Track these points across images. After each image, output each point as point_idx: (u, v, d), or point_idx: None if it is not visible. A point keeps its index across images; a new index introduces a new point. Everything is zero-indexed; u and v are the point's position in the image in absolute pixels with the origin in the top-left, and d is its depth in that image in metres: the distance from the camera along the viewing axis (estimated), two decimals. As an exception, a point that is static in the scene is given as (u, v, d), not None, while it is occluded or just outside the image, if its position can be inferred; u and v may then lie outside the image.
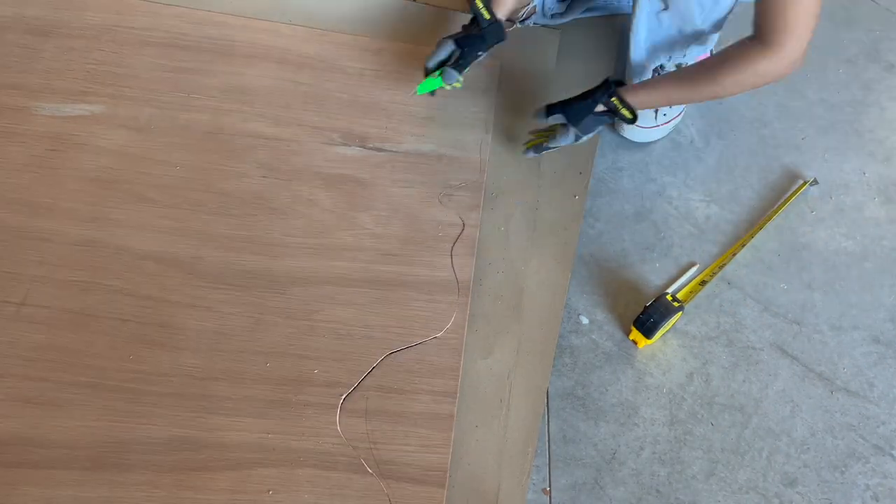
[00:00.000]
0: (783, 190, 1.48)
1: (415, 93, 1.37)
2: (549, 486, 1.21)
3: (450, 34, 1.34)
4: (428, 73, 1.34)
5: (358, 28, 1.53)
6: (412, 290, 1.27)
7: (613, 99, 1.27)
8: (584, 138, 1.33)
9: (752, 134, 1.54)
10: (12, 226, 1.28)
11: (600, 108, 1.29)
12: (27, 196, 1.31)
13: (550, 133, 1.37)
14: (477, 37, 1.32)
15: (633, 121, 1.28)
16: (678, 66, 1.39)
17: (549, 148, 1.36)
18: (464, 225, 1.33)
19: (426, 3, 1.58)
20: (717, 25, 1.33)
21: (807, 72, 1.61)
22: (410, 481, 1.14)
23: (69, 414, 1.16)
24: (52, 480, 1.12)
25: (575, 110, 1.30)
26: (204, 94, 1.42)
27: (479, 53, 1.33)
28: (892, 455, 1.26)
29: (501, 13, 1.32)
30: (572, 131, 1.31)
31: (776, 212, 1.44)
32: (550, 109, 1.32)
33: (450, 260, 1.30)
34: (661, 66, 1.40)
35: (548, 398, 1.27)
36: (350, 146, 1.40)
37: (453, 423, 1.18)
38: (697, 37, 1.33)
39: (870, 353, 1.34)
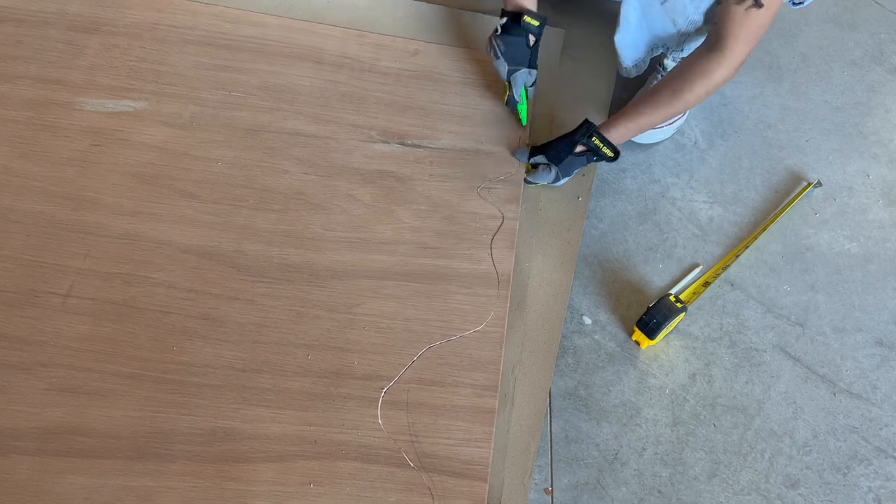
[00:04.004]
0: (787, 192, 1.48)
1: (524, 125, 1.44)
2: (552, 486, 1.21)
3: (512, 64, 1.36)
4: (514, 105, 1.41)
5: (393, 30, 1.55)
6: (452, 284, 1.28)
7: (594, 139, 1.31)
8: (563, 180, 1.37)
9: (755, 136, 1.54)
10: (57, 219, 1.30)
11: (581, 148, 1.33)
12: (71, 190, 1.33)
13: (533, 169, 1.40)
14: (535, 50, 1.37)
15: (614, 159, 1.33)
16: (679, 60, 1.44)
17: (529, 182, 1.39)
18: (503, 217, 1.34)
19: (460, 8, 1.59)
20: (710, 17, 1.36)
21: (811, 74, 1.62)
22: (452, 475, 1.14)
23: (113, 404, 1.17)
24: (96, 469, 1.13)
25: (556, 151, 1.34)
26: (244, 92, 1.44)
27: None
28: (894, 457, 1.26)
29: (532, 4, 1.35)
30: (553, 170, 1.35)
31: (780, 213, 1.44)
32: (533, 151, 1.38)
33: (489, 253, 1.31)
34: (662, 57, 1.44)
35: (550, 398, 1.27)
36: (389, 143, 1.41)
37: (494, 417, 1.18)
38: (694, 29, 1.37)
39: (873, 356, 1.33)
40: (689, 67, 1.27)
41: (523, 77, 1.36)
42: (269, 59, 1.48)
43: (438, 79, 1.49)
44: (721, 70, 1.24)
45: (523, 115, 1.42)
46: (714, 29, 1.24)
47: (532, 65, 1.37)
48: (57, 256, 1.27)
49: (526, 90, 1.39)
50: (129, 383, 1.19)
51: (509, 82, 1.37)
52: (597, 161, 1.35)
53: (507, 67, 1.35)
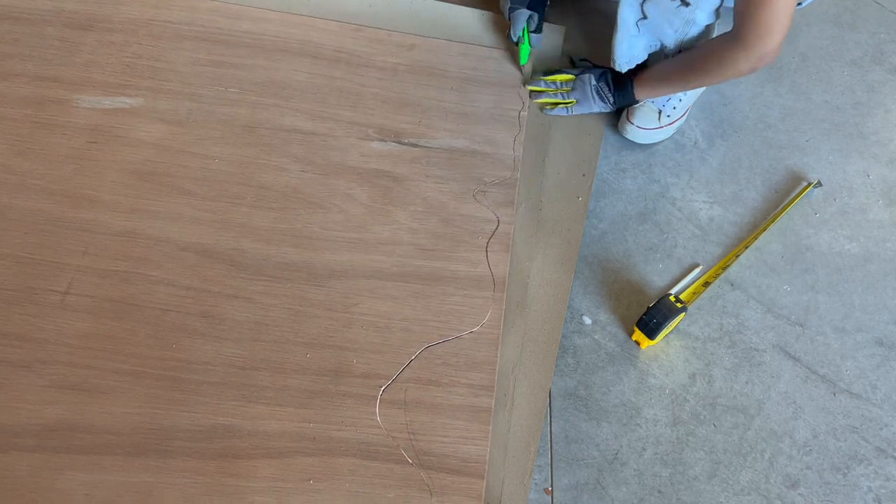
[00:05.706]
0: (787, 192, 1.49)
1: (522, 65, 1.50)
2: (552, 486, 1.22)
3: (514, 3, 1.45)
4: (517, 44, 1.48)
5: (389, 24, 1.55)
6: (448, 286, 1.29)
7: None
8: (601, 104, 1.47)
9: (755, 136, 1.55)
10: (55, 216, 1.30)
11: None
12: (69, 187, 1.33)
13: (563, 90, 1.49)
14: None
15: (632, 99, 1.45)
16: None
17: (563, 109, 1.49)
18: (498, 221, 1.35)
19: (456, 2, 1.60)
20: (696, 40, 1.38)
21: (811, 74, 1.63)
22: (449, 471, 1.16)
23: (113, 401, 1.18)
24: (96, 466, 1.14)
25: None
26: (241, 88, 1.44)
27: (547, 3, 1.48)
28: (894, 457, 1.27)
29: None
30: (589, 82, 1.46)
31: (780, 213, 1.45)
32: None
33: (485, 256, 1.32)
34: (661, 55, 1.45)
35: (550, 398, 1.28)
36: (385, 141, 1.42)
37: (491, 416, 1.20)
38: (694, 32, 1.38)
39: (873, 356, 1.35)
40: (711, 51, 1.27)
41: (523, 16, 1.43)
42: (266, 55, 1.48)
43: (435, 74, 1.50)
44: (741, 60, 1.23)
45: (523, 54, 1.47)
46: (736, 20, 1.23)
47: (532, 7, 1.43)
48: (55, 254, 1.28)
49: (528, 35, 1.46)
50: (129, 380, 1.20)
51: (510, 19, 1.45)
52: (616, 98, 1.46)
53: (509, 4, 1.44)
